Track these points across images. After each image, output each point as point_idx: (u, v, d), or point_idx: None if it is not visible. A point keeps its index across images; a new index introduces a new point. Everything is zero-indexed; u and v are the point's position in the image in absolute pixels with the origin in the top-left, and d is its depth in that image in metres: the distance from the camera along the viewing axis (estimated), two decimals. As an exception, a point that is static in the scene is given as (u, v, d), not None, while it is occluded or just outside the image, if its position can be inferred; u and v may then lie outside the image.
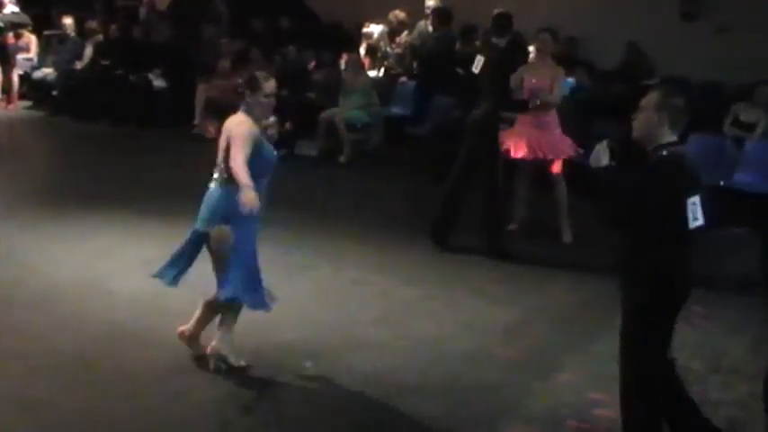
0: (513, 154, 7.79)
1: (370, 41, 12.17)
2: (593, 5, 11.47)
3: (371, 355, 5.41)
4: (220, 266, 4.92)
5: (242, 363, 5.04)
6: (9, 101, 12.75)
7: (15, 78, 12.81)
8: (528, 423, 4.73)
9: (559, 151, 7.86)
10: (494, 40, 7.84)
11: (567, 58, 11.44)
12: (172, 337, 5.42)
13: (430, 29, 11.35)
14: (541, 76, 7.77)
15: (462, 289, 6.61)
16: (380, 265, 7.00)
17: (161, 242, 7.23)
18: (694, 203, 4.06)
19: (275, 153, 5.00)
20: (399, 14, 12.34)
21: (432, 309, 6.23)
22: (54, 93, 13.02)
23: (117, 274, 6.51)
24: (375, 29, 12.26)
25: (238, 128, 4.79)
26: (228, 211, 4.77)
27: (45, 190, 8.43)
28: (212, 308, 5.05)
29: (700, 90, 10.68)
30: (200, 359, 5.13)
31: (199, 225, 5.00)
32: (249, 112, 4.87)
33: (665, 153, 4.05)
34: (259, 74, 5.01)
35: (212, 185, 4.97)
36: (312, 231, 7.64)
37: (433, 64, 10.97)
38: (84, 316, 5.76)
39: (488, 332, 5.87)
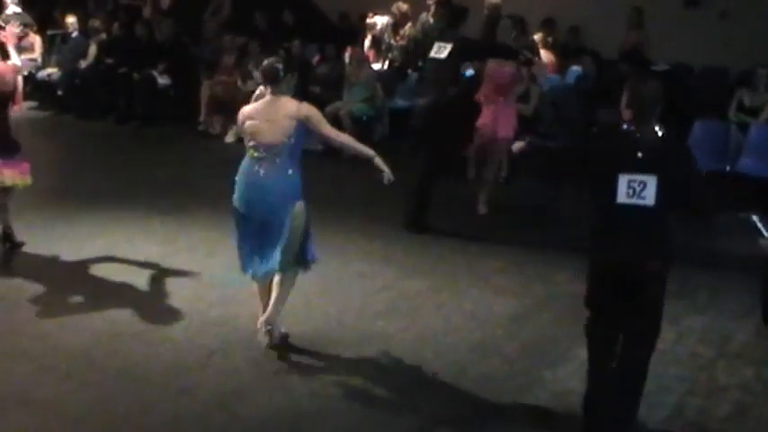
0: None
1: (374, 33, 12.16)
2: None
3: (379, 348, 5.43)
4: (298, 239, 5.18)
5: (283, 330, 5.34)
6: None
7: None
8: (536, 412, 4.74)
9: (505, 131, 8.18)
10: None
11: (571, 47, 11.44)
12: (176, 335, 5.47)
13: (431, 20, 11.32)
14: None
15: (468, 280, 6.62)
16: (386, 258, 7.02)
17: (168, 239, 7.30)
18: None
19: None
20: (402, 6, 12.31)
21: (438, 301, 6.24)
22: (59, 92, 13.04)
23: (123, 272, 6.53)
24: (379, 20, 12.24)
25: (308, 109, 5.12)
26: (298, 189, 5.16)
27: (51, 189, 8.44)
28: (292, 282, 5.25)
29: (704, 76, 10.66)
30: (211, 356, 5.16)
31: (264, 213, 5.12)
32: (286, 91, 5.16)
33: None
34: (294, 60, 5.60)
35: (262, 171, 5.10)
36: (318, 225, 7.51)
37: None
38: (90, 315, 5.79)
39: (495, 323, 5.88)
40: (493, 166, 8.44)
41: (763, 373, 5.22)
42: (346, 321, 5.83)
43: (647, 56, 10.26)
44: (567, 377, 5.13)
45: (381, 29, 12.20)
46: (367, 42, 12.16)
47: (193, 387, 4.89)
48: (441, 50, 7.73)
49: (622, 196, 4.18)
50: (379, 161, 5.35)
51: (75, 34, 13.16)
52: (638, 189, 4.16)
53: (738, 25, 10.54)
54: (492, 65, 8.25)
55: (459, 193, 9.20)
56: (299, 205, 5.16)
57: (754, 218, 3.88)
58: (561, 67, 10.96)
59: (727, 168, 8.65)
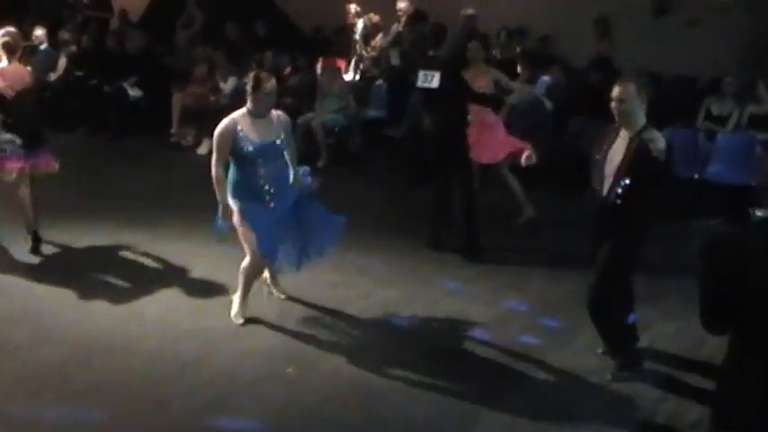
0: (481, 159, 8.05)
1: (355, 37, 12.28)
2: (565, 3, 11.53)
3: (353, 358, 5.43)
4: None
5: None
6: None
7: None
8: (511, 420, 4.77)
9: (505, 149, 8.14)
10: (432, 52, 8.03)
11: (541, 56, 11.51)
12: (150, 347, 5.43)
13: (400, 29, 11.38)
14: (483, 80, 7.96)
15: (442, 289, 6.65)
16: (360, 268, 7.02)
17: (140, 251, 7.26)
18: None
19: (259, 142, 5.55)
20: (373, 17, 12.37)
21: (412, 309, 6.25)
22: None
23: (95, 285, 6.49)
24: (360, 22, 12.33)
25: (215, 135, 5.64)
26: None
27: (18, 204, 8.39)
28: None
29: (672, 84, 10.77)
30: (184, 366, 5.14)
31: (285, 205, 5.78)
32: (249, 108, 5.60)
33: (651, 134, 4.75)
34: (262, 73, 5.72)
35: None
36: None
37: (407, 66, 11.00)
38: (63, 329, 5.74)
39: (469, 331, 5.90)
40: (505, 175, 8.30)
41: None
42: (320, 332, 5.82)
43: (616, 64, 10.37)
44: (542, 383, 5.16)
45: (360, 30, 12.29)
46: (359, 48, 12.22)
47: (168, 399, 4.86)
48: (428, 79, 7.50)
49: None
50: (221, 210, 5.68)
51: (44, 46, 13.05)
52: None
53: (706, 34, 10.67)
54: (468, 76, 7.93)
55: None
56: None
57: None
58: (532, 77, 11.03)
59: (696, 176, 8.75)
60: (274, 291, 6.24)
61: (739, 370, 2.94)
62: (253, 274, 5.80)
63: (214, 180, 5.60)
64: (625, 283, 5.21)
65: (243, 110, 5.64)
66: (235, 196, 5.63)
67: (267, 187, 5.61)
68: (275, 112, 5.75)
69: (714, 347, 5.63)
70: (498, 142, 8.17)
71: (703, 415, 4.76)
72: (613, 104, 4.80)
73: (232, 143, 5.54)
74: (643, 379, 5.18)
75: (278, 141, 5.65)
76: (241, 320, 5.77)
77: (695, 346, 5.68)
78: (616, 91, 4.80)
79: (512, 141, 8.20)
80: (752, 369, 2.88)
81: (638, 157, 4.74)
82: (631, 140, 4.81)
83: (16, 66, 7.13)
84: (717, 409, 3.08)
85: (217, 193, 5.61)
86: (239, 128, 5.55)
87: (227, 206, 5.62)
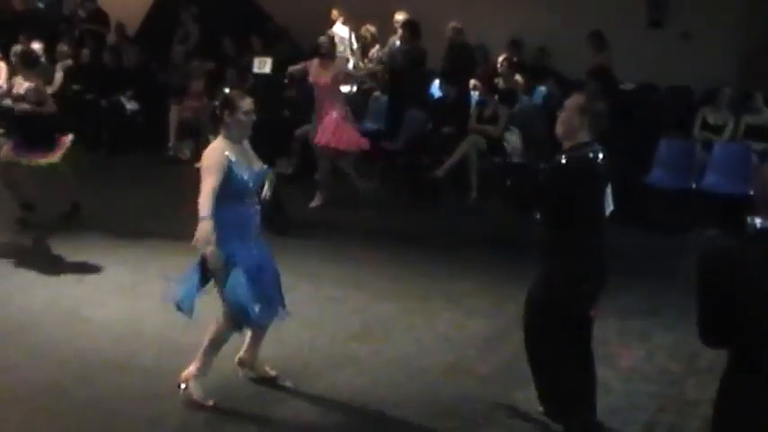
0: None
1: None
2: (562, 15, 11.57)
3: (351, 372, 5.43)
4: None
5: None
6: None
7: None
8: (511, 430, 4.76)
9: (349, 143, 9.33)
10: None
11: (537, 68, 11.56)
12: (146, 362, 5.42)
13: (397, 43, 11.41)
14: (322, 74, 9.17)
15: (439, 302, 6.64)
16: (358, 282, 7.02)
17: (135, 267, 7.25)
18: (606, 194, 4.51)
19: (249, 172, 4.85)
20: (371, 29, 12.39)
21: (410, 323, 6.25)
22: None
23: (91, 300, 6.48)
24: (339, 30, 12.35)
25: (206, 160, 4.73)
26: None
27: (14, 219, 8.40)
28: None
29: (668, 95, 10.82)
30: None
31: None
32: (228, 134, 4.82)
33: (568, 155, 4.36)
34: (233, 93, 5.02)
35: None
36: (288, 250, 7.61)
37: (404, 78, 11.03)
38: (58, 344, 5.73)
39: (467, 344, 5.89)
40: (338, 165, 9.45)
41: (732, 388, 5.27)
42: (318, 346, 5.82)
43: (614, 75, 10.41)
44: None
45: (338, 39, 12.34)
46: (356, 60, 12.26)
47: (164, 416, 4.85)
48: (262, 65, 9.10)
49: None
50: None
51: (41, 61, 13.05)
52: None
53: (700, 46, 10.72)
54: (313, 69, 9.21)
55: (431, 216, 9.26)
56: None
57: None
58: (529, 88, 11.07)
59: (693, 186, 8.76)
60: (252, 372, 5.26)
61: (739, 384, 2.93)
62: (224, 339, 5.00)
63: (207, 226, 4.58)
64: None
65: (219, 139, 4.84)
66: (221, 242, 4.69)
67: (254, 228, 4.94)
68: None
69: (712, 359, 5.65)
70: (333, 131, 9.18)
71: (702, 427, 4.77)
72: (558, 111, 4.54)
73: (227, 175, 4.70)
74: (641, 390, 5.17)
75: (261, 169, 4.99)
76: (210, 402, 4.95)
77: (693, 357, 5.69)
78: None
79: (349, 135, 9.29)
80: (752, 383, 2.87)
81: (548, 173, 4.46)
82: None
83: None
84: (717, 423, 3.06)
85: (204, 239, 4.59)
86: (229, 154, 4.75)
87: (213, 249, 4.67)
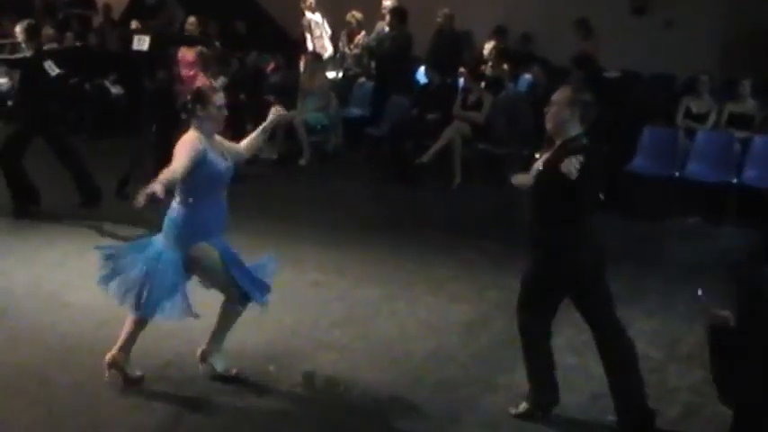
0: None
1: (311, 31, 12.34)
2: (546, 2, 11.59)
3: (335, 357, 5.44)
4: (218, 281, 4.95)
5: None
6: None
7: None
8: (492, 418, 4.78)
9: None
10: None
11: (522, 55, 11.57)
12: (133, 347, 5.39)
13: (386, 29, 11.40)
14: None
15: (423, 288, 6.65)
16: (341, 267, 7.03)
17: (119, 251, 7.21)
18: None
19: (225, 164, 4.85)
20: (357, 15, 12.38)
21: (393, 308, 6.27)
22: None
23: (73, 285, 6.45)
24: (311, 17, 12.33)
25: (179, 146, 4.71)
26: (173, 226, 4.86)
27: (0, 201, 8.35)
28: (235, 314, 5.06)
29: (651, 83, 10.86)
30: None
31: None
32: (200, 128, 4.81)
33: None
34: (205, 87, 5.15)
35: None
36: (273, 235, 7.63)
37: (390, 64, 11.03)
38: (40, 330, 5.71)
39: (450, 330, 5.92)
40: None
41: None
42: (301, 331, 5.83)
43: (598, 63, 10.43)
44: (521, 382, 5.16)
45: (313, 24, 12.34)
46: (309, 44, 12.21)
47: (149, 399, 4.85)
48: (140, 42, 9.40)
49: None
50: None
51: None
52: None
53: (683, 34, 10.76)
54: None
55: (415, 202, 9.28)
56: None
57: (700, 292, 3.81)
58: (513, 75, 11.08)
59: (676, 174, 8.81)
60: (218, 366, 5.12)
61: None
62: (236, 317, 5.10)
63: (171, 175, 4.51)
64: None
65: (191, 131, 4.80)
66: (191, 238, 4.79)
67: (221, 222, 4.94)
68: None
69: (691, 345, 5.72)
70: None
71: (682, 413, 4.82)
72: (546, 108, 4.51)
73: (201, 164, 4.68)
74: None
75: (231, 164, 4.94)
76: (234, 371, 5.10)
77: (674, 344, 5.74)
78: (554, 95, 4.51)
79: None
80: None
81: (547, 170, 4.38)
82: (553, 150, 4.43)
83: None
84: None
85: (165, 180, 4.44)
86: (204, 146, 4.74)
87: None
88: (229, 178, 4.93)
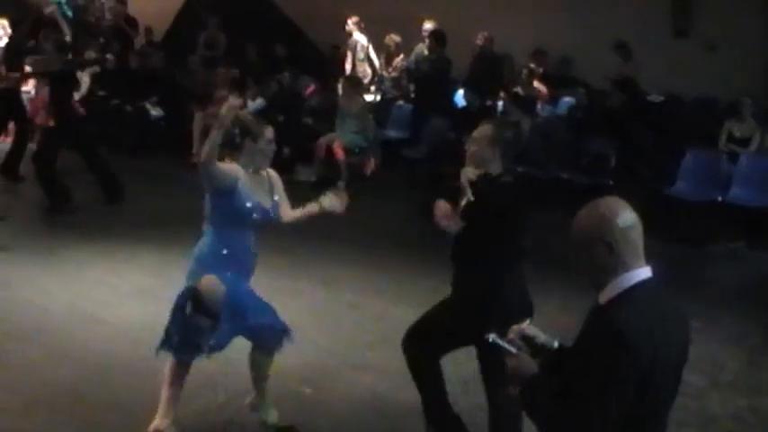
0: None
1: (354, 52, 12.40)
2: (585, 25, 11.53)
3: (370, 379, 5.40)
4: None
5: None
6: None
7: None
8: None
9: None
10: None
11: (561, 77, 11.52)
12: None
13: (426, 52, 11.42)
14: None
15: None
16: (377, 288, 6.99)
17: (155, 271, 7.26)
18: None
19: (260, 206, 4.59)
20: (395, 38, 12.42)
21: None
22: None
23: (111, 304, 6.50)
24: (358, 37, 12.39)
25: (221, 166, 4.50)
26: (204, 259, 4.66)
27: (38, 221, 8.45)
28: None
29: (694, 106, 10.73)
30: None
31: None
32: (246, 162, 4.57)
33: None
34: (253, 122, 4.71)
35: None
36: (309, 257, 7.63)
37: (428, 87, 11.03)
38: (78, 347, 5.75)
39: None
40: None
41: (756, 403, 5.19)
42: (337, 352, 5.79)
43: (640, 87, 10.35)
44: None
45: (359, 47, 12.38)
46: (348, 65, 12.27)
47: (181, 420, 4.83)
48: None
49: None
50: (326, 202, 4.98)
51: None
52: None
53: (725, 57, 10.63)
54: None
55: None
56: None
57: (493, 336, 3.11)
58: (552, 98, 11.03)
59: (719, 198, 8.67)
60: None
61: None
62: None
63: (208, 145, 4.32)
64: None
65: (234, 165, 4.56)
66: (214, 268, 4.57)
67: (251, 266, 4.69)
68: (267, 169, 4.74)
69: (735, 372, 5.58)
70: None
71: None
72: (466, 145, 4.38)
73: (230, 192, 4.47)
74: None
75: (270, 207, 4.67)
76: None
77: (716, 370, 5.61)
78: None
79: None
80: None
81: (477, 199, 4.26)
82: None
83: None
84: None
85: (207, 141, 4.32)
86: (240, 178, 4.52)
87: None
88: (261, 220, 4.62)
